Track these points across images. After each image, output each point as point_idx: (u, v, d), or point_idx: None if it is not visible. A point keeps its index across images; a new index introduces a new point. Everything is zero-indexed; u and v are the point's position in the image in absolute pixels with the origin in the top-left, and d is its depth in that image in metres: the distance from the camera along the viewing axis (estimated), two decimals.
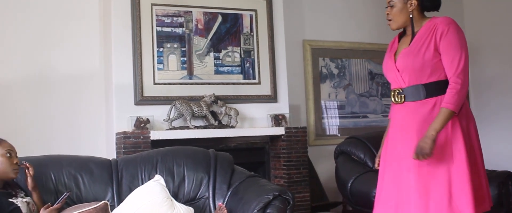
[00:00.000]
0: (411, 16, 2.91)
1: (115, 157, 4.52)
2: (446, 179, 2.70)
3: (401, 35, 3.03)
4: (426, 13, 2.98)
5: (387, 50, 3.06)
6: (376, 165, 3.13)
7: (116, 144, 4.80)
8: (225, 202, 3.49)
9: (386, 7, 2.97)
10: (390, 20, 2.96)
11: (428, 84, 2.81)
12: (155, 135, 4.69)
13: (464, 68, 2.74)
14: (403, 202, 2.80)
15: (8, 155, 2.90)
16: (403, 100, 2.89)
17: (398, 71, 2.90)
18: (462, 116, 2.79)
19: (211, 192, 3.57)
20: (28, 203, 2.92)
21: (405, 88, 2.88)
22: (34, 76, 5.07)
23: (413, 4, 2.90)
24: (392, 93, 2.94)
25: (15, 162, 2.92)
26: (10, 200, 2.85)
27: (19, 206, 2.84)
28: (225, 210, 3.22)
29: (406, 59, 2.86)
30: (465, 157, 2.70)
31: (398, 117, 2.95)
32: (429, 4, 2.94)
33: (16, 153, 2.97)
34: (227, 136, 5.03)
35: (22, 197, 2.95)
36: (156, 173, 3.51)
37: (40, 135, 5.00)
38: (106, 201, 2.83)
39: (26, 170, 3.02)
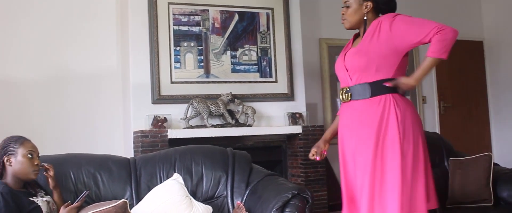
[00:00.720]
0: (365, 18, 2.90)
1: (132, 156, 4.54)
2: (379, 176, 2.70)
3: (357, 36, 3.04)
4: None
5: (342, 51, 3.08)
6: (310, 155, 3.12)
7: (134, 142, 4.81)
8: (243, 201, 3.48)
9: (343, 7, 2.96)
10: (344, 19, 2.96)
11: (373, 82, 2.79)
12: (172, 133, 4.69)
13: (428, 21, 2.72)
14: (356, 200, 2.83)
15: (29, 155, 2.89)
16: (349, 98, 2.89)
17: (347, 70, 2.91)
18: (406, 117, 2.74)
19: (229, 191, 3.56)
20: (48, 202, 2.93)
21: (351, 87, 2.89)
22: (52, 76, 5.11)
23: (368, 6, 2.89)
24: (340, 92, 2.95)
25: (36, 163, 2.91)
26: (31, 199, 2.86)
27: (39, 205, 2.85)
28: (244, 209, 3.21)
29: (353, 58, 2.87)
30: (399, 158, 2.68)
31: (345, 116, 2.95)
32: (385, 7, 2.92)
33: (38, 153, 2.97)
34: (244, 134, 5.03)
35: (41, 196, 2.95)
36: (175, 172, 3.51)
37: (58, 134, 5.04)
38: (125, 200, 2.82)
39: (46, 172, 3.03)
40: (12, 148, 2.89)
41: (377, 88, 2.78)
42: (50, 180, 3.02)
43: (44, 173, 3.03)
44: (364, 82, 2.82)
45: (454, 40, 2.67)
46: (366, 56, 2.80)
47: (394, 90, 2.76)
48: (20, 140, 2.94)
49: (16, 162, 2.86)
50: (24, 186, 2.94)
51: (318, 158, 3.10)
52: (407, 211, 2.66)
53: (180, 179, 3.39)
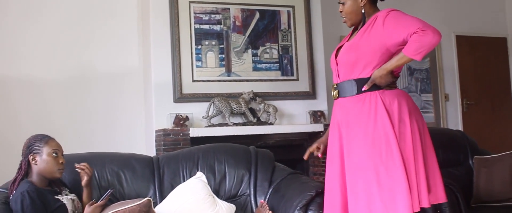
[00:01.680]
0: (363, 11, 2.78)
1: (155, 154, 4.56)
2: (374, 177, 2.58)
3: (356, 29, 2.90)
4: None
5: None
6: (312, 149, 3.07)
7: (156, 141, 4.83)
8: (266, 199, 3.47)
9: (339, 3, 2.87)
10: (343, 17, 2.87)
11: (360, 79, 2.69)
12: (194, 132, 4.71)
13: (418, 20, 2.55)
14: (337, 203, 2.75)
15: (54, 154, 2.91)
16: (337, 95, 2.83)
17: (337, 65, 2.83)
18: (395, 110, 2.63)
19: (252, 189, 3.55)
20: (73, 200, 2.95)
21: (339, 83, 2.81)
22: (74, 75, 5.15)
23: None
24: (332, 88, 2.88)
25: (60, 161, 2.93)
26: (56, 197, 2.88)
27: (64, 203, 2.86)
28: (267, 208, 3.20)
29: (344, 53, 2.78)
30: (399, 154, 2.57)
31: (334, 114, 2.88)
32: None
33: (62, 152, 2.99)
34: (266, 133, 5.02)
35: (66, 194, 2.97)
36: (197, 170, 3.51)
37: (80, 133, 5.07)
38: (149, 198, 2.82)
39: (82, 170, 3.04)
40: (37, 147, 2.91)
41: (363, 85, 2.68)
42: (86, 178, 3.03)
43: (80, 171, 3.05)
44: (351, 78, 2.73)
45: (431, 44, 2.51)
46: (355, 52, 2.70)
47: (377, 87, 2.66)
48: (45, 139, 2.96)
49: (42, 161, 2.88)
50: (49, 184, 2.96)
51: (320, 155, 3.06)
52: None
53: (203, 177, 3.39)
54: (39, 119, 4.95)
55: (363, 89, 2.67)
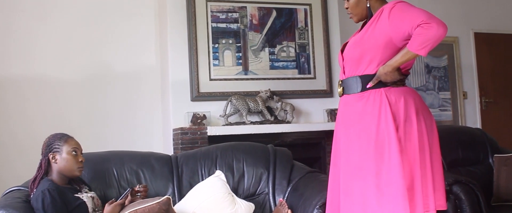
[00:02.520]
0: (368, 5, 2.69)
1: (172, 153, 4.57)
2: (374, 179, 2.49)
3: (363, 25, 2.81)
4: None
5: None
6: None
7: (173, 140, 4.84)
8: (285, 198, 3.46)
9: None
10: (350, 13, 2.78)
11: (365, 76, 2.61)
12: (212, 130, 4.71)
13: (423, 13, 2.44)
14: (337, 203, 2.68)
15: (73, 153, 2.93)
16: (342, 92, 2.76)
17: (343, 61, 2.76)
18: (401, 109, 2.55)
19: (270, 188, 3.54)
20: (93, 198, 2.97)
21: (344, 80, 2.74)
22: (91, 74, 5.18)
23: None
24: (338, 85, 2.81)
25: (80, 160, 2.95)
26: (76, 195, 2.90)
27: (84, 201, 2.88)
28: (286, 206, 3.19)
29: (349, 48, 2.71)
30: (398, 157, 2.47)
31: (339, 111, 2.80)
32: None
33: (82, 150, 3.01)
34: (283, 131, 5.01)
35: (86, 192, 2.99)
36: (216, 169, 3.51)
37: (98, 132, 5.09)
38: (168, 196, 2.83)
39: (142, 193, 3.05)
40: (56, 146, 2.93)
41: (368, 82, 2.59)
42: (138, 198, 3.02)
43: (137, 194, 3.04)
44: (355, 75, 2.65)
45: (436, 37, 2.40)
46: (360, 47, 2.61)
47: (382, 84, 2.58)
48: (64, 138, 2.98)
49: (61, 159, 2.91)
50: (69, 182, 2.98)
51: None
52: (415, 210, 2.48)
53: (223, 176, 3.39)
54: (55, 119, 4.98)
55: (367, 86, 2.60)
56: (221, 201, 3.19)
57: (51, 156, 2.91)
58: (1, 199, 2.96)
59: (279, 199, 3.38)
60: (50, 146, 2.94)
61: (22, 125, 4.94)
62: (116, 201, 2.93)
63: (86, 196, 2.93)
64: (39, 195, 2.77)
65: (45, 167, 2.93)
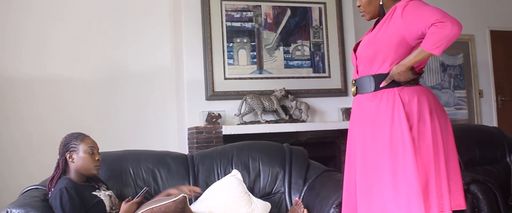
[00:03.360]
0: (381, 3, 2.67)
1: (187, 152, 4.58)
2: (390, 179, 2.47)
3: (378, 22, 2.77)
4: None
5: None
6: None
7: (188, 139, 4.85)
8: (301, 197, 3.45)
9: None
10: (362, 11, 2.75)
11: (378, 75, 2.59)
12: (227, 129, 4.71)
13: (437, 11, 2.41)
14: (353, 203, 2.66)
15: (90, 151, 2.94)
16: (356, 92, 2.73)
17: (356, 60, 2.74)
18: (414, 109, 2.52)
19: (287, 187, 3.54)
20: (110, 196, 2.98)
21: (357, 79, 2.71)
22: (105, 74, 5.20)
23: None
24: (351, 84, 2.79)
25: (97, 158, 2.97)
26: (94, 193, 2.91)
27: (102, 199, 2.90)
28: (302, 206, 3.18)
29: (362, 47, 2.68)
30: (412, 157, 2.45)
31: (353, 111, 2.78)
32: None
33: (98, 149, 3.03)
34: (298, 130, 5.01)
35: (104, 190, 3.00)
36: (232, 168, 3.51)
37: (113, 131, 5.11)
38: (184, 194, 2.83)
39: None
40: (73, 145, 2.95)
41: (381, 81, 2.57)
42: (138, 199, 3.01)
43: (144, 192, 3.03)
44: (369, 74, 2.62)
45: (451, 36, 2.36)
46: (373, 46, 2.59)
47: (396, 83, 2.56)
48: (81, 137, 3.00)
49: (78, 158, 2.92)
50: (86, 180, 3.00)
51: None
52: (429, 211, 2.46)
53: (239, 175, 3.39)
54: (68, 119, 5.00)
55: (380, 86, 2.58)
56: (238, 200, 3.19)
57: (68, 155, 2.93)
58: (19, 198, 2.98)
59: (295, 198, 3.37)
60: (67, 146, 2.96)
61: (35, 125, 4.97)
62: (132, 199, 2.94)
63: (104, 194, 2.95)
64: (57, 193, 2.79)
65: (62, 167, 2.95)
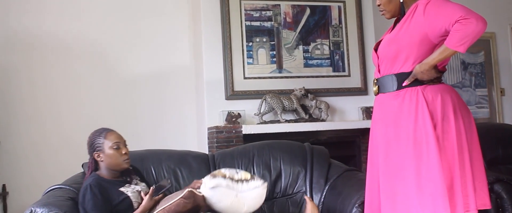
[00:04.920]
0: (401, 1, 2.65)
1: (207, 152, 4.59)
2: (414, 179, 2.45)
3: (398, 21, 2.74)
4: None
5: None
6: None
7: (208, 138, 4.85)
8: (323, 197, 3.44)
9: None
10: (382, 10, 2.73)
11: (401, 74, 2.57)
12: (246, 129, 4.72)
13: (461, 8, 2.39)
14: (376, 203, 2.64)
15: (115, 147, 2.93)
16: (378, 91, 2.71)
17: (378, 59, 2.71)
18: (438, 107, 2.50)
19: (308, 186, 3.53)
20: (139, 192, 2.95)
21: (379, 78, 2.69)
22: (126, 74, 5.22)
23: None
24: (373, 83, 2.76)
25: (124, 152, 2.95)
26: (121, 189, 2.90)
27: (129, 196, 2.88)
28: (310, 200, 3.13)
29: (384, 46, 2.66)
30: (437, 156, 2.42)
31: (375, 110, 2.76)
32: None
33: (124, 142, 3.01)
34: (318, 129, 4.99)
35: (136, 184, 2.98)
36: (253, 167, 3.51)
37: (132, 131, 5.06)
38: (190, 189, 2.80)
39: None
40: (98, 144, 2.94)
41: (403, 80, 2.55)
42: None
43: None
44: (391, 73, 2.60)
45: (476, 33, 2.34)
46: (395, 45, 2.57)
47: (418, 82, 2.54)
48: (104, 133, 2.98)
49: (106, 156, 2.92)
50: (120, 174, 2.99)
51: None
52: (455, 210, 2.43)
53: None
54: (87, 119, 5.02)
55: (403, 85, 2.56)
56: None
57: (96, 155, 2.94)
58: (43, 198, 3.00)
59: (305, 196, 3.31)
60: (92, 146, 2.96)
61: (54, 125, 5.00)
62: (154, 192, 2.91)
63: (131, 191, 2.91)
64: (82, 190, 2.83)
65: (92, 167, 2.96)
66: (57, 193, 3.01)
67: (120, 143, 2.97)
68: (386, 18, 2.78)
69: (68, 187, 3.07)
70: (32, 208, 2.75)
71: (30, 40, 5.01)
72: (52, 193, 3.04)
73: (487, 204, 2.58)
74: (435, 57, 2.49)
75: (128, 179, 3.00)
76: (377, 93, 2.74)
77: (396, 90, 2.59)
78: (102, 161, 2.93)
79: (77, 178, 3.30)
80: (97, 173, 2.93)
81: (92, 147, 2.95)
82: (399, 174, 2.52)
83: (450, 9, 2.42)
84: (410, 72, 2.55)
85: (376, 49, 2.78)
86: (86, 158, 3.53)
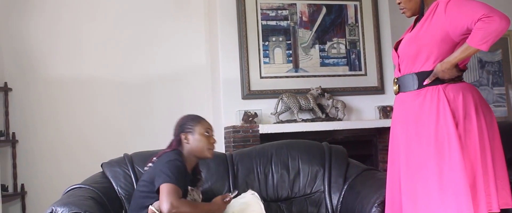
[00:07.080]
0: None
1: (224, 151, 4.59)
2: (436, 178, 2.42)
3: (418, 20, 2.72)
4: None
5: None
6: None
7: (225, 138, 4.86)
8: (341, 196, 3.42)
9: None
10: (402, 8, 2.70)
11: (422, 72, 2.55)
12: (263, 128, 4.71)
13: (483, 6, 2.36)
14: (398, 203, 2.62)
15: (206, 133, 2.91)
16: (398, 90, 2.69)
17: (398, 58, 2.69)
18: (460, 105, 2.48)
19: (326, 186, 3.50)
20: (194, 200, 2.89)
21: (399, 78, 2.67)
22: (141, 75, 5.25)
23: None
24: (393, 83, 2.74)
25: (212, 141, 2.93)
26: (189, 187, 2.85)
27: (189, 192, 2.84)
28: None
29: (404, 45, 2.64)
30: (459, 155, 2.40)
31: (396, 109, 2.74)
32: None
33: (213, 132, 2.98)
34: (335, 128, 4.98)
35: (197, 191, 2.94)
36: (271, 167, 3.50)
37: (148, 132, 5.15)
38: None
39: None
40: (189, 126, 2.91)
41: (424, 79, 2.54)
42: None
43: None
44: (412, 72, 2.59)
45: (499, 31, 2.32)
46: (416, 43, 2.56)
47: (439, 81, 2.52)
48: (197, 119, 2.97)
49: (194, 140, 2.88)
50: (193, 171, 2.96)
51: None
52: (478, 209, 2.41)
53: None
54: (104, 120, 5.07)
55: (424, 83, 2.54)
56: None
57: (183, 136, 2.90)
58: (63, 197, 3.01)
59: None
60: (182, 127, 2.93)
61: (70, 126, 5.04)
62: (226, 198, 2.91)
63: (190, 197, 2.85)
64: (167, 156, 2.77)
65: (175, 147, 2.90)
66: (77, 192, 3.02)
67: (211, 130, 2.95)
68: (407, 16, 2.77)
69: (88, 187, 3.08)
70: (53, 208, 2.76)
71: (46, 41, 5.04)
72: (72, 193, 3.05)
73: (509, 204, 2.56)
74: (457, 55, 2.47)
75: (196, 182, 2.95)
76: (397, 92, 2.72)
77: (417, 89, 2.58)
78: (188, 143, 2.88)
79: (96, 178, 3.31)
80: (180, 151, 2.87)
81: (182, 128, 2.92)
82: (421, 174, 2.50)
83: (472, 7, 2.40)
84: (431, 71, 2.53)
85: (396, 48, 2.77)
86: (102, 158, 3.56)
